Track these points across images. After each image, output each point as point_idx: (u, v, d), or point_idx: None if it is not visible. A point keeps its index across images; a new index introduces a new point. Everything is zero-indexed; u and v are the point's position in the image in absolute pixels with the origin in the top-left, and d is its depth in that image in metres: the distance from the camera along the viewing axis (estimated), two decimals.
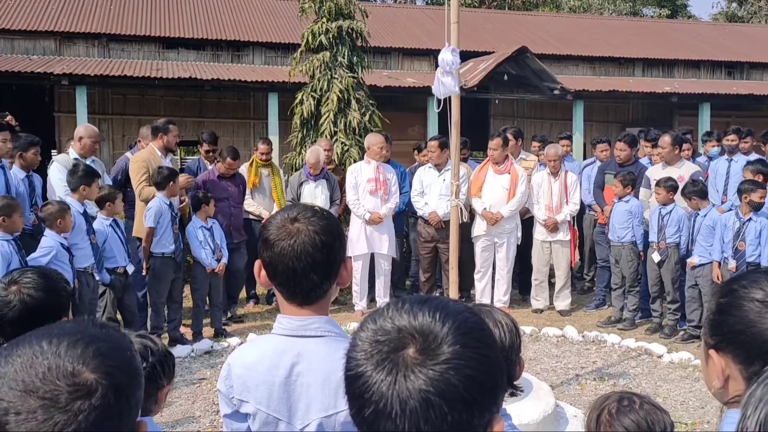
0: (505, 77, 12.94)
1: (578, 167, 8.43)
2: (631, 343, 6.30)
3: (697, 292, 6.39)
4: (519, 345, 1.87)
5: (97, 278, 5.45)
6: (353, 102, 8.72)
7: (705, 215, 6.36)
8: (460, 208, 5.31)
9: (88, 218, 5.46)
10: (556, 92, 13.09)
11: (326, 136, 8.41)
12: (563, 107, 14.42)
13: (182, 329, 6.36)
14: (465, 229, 6.75)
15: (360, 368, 0.88)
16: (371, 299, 7.41)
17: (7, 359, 0.86)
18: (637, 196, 6.99)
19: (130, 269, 5.83)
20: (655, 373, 5.61)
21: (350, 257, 6.72)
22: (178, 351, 5.85)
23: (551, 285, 7.60)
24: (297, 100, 8.99)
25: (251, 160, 7.48)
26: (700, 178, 6.92)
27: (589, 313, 7.42)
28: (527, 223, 7.52)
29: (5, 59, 12.16)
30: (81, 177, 5.38)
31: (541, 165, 7.77)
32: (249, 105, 13.93)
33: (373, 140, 7.26)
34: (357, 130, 8.61)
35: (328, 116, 8.60)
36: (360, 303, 7.23)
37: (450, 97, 4.60)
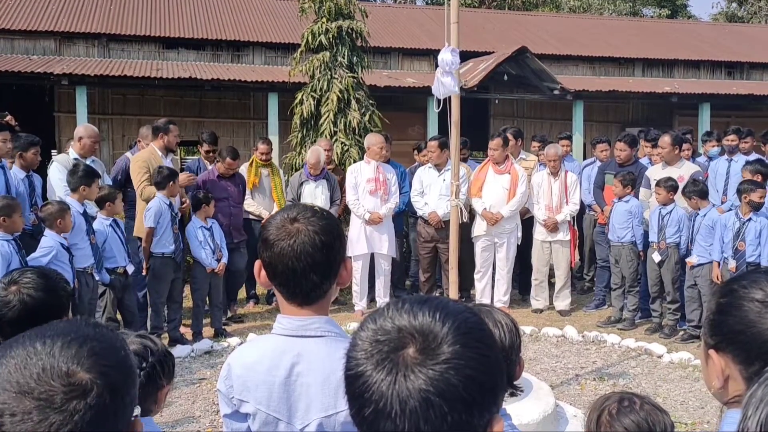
0: (505, 77, 12.94)
1: (578, 167, 8.43)
2: (631, 343, 6.30)
3: (696, 292, 6.40)
4: (519, 345, 1.87)
5: (97, 278, 5.45)
6: (353, 102, 8.71)
7: (704, 215, 6.36)
8: (460, 208, 5.31)
9: (88, 218, 5.46)
10: (556, 92, 13.09)
11: (326, 136, 8.41)
12: (563, 107, 14.42)
13: (182, 329, 6.36)
14: (465, 229, 6.75)
15: (360, 368, 0.88)
16: (371, 299, 7.41)
17: (1, 361, 0.86)
18: (637, 196, 6.99)
19: (130, 269, 5.83)
20: (654, 373, 5.61)
21: (350, 257, 6.72)
22: (178, 351, 5.85)
23: (551, 285, 7.60)
24: (297, 100, 8.99)
25: (251, 160, 7.48)
26: (700, 178, 6.92)
27: (589, 313, 7.42)
28: (527, 223, 7.52)
29: (5, 59, 12.16)
30: (81, 177, 5.38)
31: (541, 165, 7.77)
32: (249, 105, 13.93)
33: (373, 140, 7.26)
34: (357, 130, 8.61)
35: (328, 116, 8.60)
36: (360, 303, 7.23)
37: (450, 97, 4.60)
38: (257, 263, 1.58)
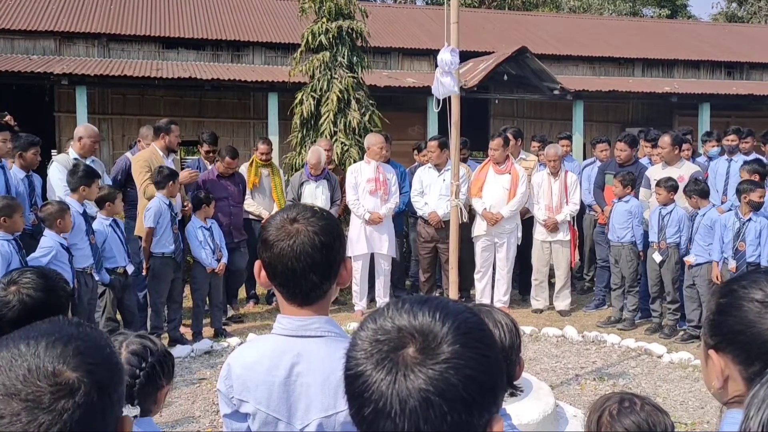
0: (505, 77, 12.94)
1: (578, 167, 8.43)
2: (630, 343, 6.29)
3: (695, 292, 6.40)
4: (519, 345, 1.87)
5: (97, 278, 5.45)
6: (353, 102, 8.71)
7: (704, 215, 6.36)
8: (460, 208, 5.31)
9: (88, 218, 5.46)
10: (556, 92, 13.09)
11: (326, 136, 8.41)
12: (563, 107, 14.42)
13: (182, 329, 6.36)
14: (465, 229, 6.74)
15: (360, 367, 0.88)
16: (371, 299, 7.41)
17: None
18: (637, 196, 6.99)
19: (130, 269, 5.83)
20: (654, 373, 5.61)
21: (350, 257, 6.72)
22: (178, 351, 5.85)
23: (551, 285, 7.60)
24: (297, 100, 8.99)
25: (251, 160, 7.48)
26: (700, 178, 6.92)
27: (589, 313, 7.42)
28: (527, 223, 7.52)
29: (5, 59, 12.16)
30: (81, 177, 5.38)
31: (541, 165, 7.77)
32: (249, 105, 13.93)
33: (373, 140, 7.26)
34: (357, 130, 8.61)
35: (327, 116, 8.60)
36: (360, 303, 7.23)
37: (450, 97, 4.60)
38: (257, 263, 1.58)
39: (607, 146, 8.32)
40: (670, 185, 6.50)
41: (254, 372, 1.58)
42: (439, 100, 4.66)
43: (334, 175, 7.47)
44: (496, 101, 14.09)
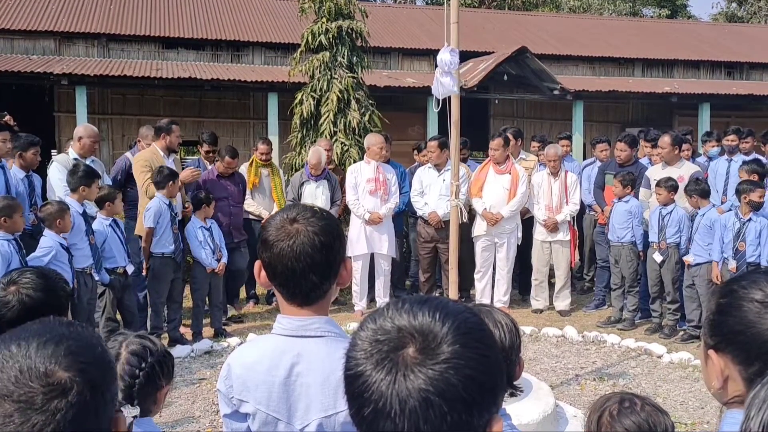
0: (505, 77, 12.94)
1: (578, 167, 8.43)
2: (630, 343, 6.29)
3: (695, 292, 6.39)
4: (519, 345, 1.87)
5: (96, 278, 5.45)
6: (353, 102, 8.71)
7: (703, 215, 6.36)
8: (460, 209, 5.31)
9: (87, 218, 5.46)
10: (556, 92, 13.09)
11: (326, 136, 8.41)
12: (563, 107, 14.42)
13: (182, 329, 6.36)
14: (465, 229, 6.74)
15: (359, 368, 0.87)
16: (371, 299, 7.41)
17: None
18: (637, 196, 6.99)
19: (130, 269, 5.83)
20: (654, 374, 5.61)
21: (350, 257, 6.72)
22: (178, 351, 5.84)
23: (551, 285, 7.60)
24: (297, 100, 8.99)
25: (251, 160, 7.48)
26: (701, 178, 6.92)
27: (589, 313, 7.42)
28: (527, 223, 7.52)
29: (5, 59, 12.16)
30: (81, 177, 5.38)
31: (541, 165, 7.77)
32: (249, 105, 13.93)
33: (373, 140, 7.26)
34: (357, 130, 8.61)
35: (327, 116, 8.60)
36: (360, 303, 7.22)
37: (450, 97, 4.60)
38: (257, 264, 1.58)
39: (607, 146, 8.32)
40: (670, 185, 6.50)
41: (254, 372, 1.58)
42: (438, 100, 4.66)
43: (334, 175, 7.47)
44: (496, 101, 14.09)
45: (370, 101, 9.02)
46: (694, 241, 6.40)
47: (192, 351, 6.02)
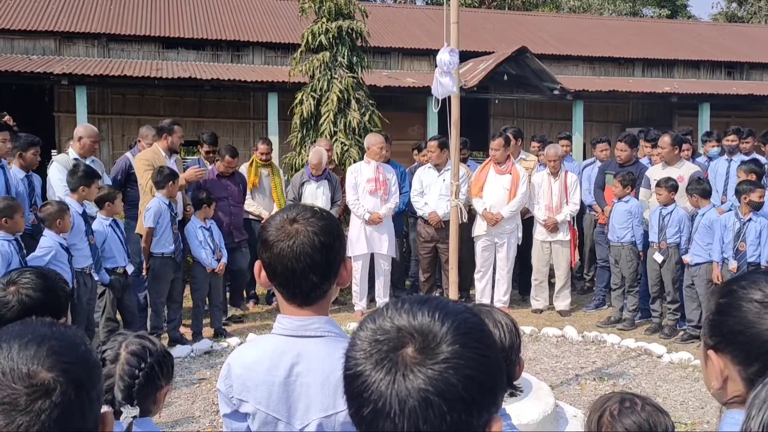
0: (505, 77, 12.94)
1: (578, 167, 8.43)
2: (630, 343, 6.29)
3: (695, 292, 6.39)
4: (519, 345, 1.87)
5: (96, 278, 5.45)
6: (353, 102, 8.71)
7: (703, 215, 6.36)
8: (460, 208, 5.31)
9: (87, 219, 5.46)
10: (556, 92, 13.08)
11: (326, 136, 8.41)
12: (563, 107, 14.42)
13: (182, 329, 6.36)
14: (465, 229, 6.74)
15: (359, 367, 0.87)
16: (371, 299, 7.41)
17: None
18: (637, 196, 6.99)
19: (130, 269, 5.83)
20: (654, 373, 5.61)
21: (350, 257, 6.72)
22: (178, 351, 5.84)
23: (551, 285, 7.60)
24: (297, 100, 8.99)
25: (251, 160, 7.48)
26: (702, 177, 6.92)
27: (589, 313, 7.42)
28: (527, 223, 7.52)
29: (5, 59, 12.16)
30: (81, 177, 5.38)
31: (541, 165, 7.77)
32: (249, 105, 13.93)
33: (373, 140, 7.26)
34: (357, 130, 8.61)
35: (327, 116, 8.60)
36: (360, 303, 7.22)
37: (450, 97, 4.60)
38: (257, 264, 1.59)
39: (607, 146, 8.32)
40: (670, 185, 6.50)
41: (254, 372, 1.58)
42: (438, 100, 4.66)
43: (335, 175, 7.47)
44: (496, 101, 14.09)
45: (370, 101, 9.03)
46: (693, 241, 6.40)
47: (192, 351, 6.02)
